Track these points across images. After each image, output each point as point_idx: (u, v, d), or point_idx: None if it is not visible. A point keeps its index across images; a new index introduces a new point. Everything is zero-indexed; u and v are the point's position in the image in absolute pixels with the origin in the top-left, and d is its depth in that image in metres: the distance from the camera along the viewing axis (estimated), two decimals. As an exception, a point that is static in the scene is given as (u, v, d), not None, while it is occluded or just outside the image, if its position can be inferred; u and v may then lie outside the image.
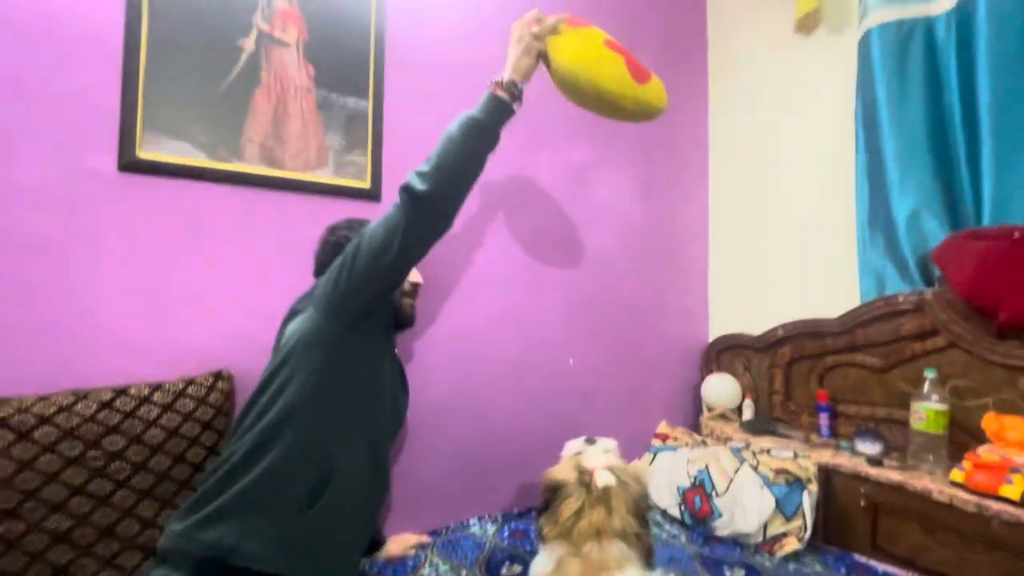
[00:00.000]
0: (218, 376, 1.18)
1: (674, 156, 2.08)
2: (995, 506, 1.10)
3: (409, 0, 1.52)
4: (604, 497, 0.83)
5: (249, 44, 1.29)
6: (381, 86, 1.45)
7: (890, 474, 1.30)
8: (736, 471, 1.44)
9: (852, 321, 1.56)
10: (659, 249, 2.03)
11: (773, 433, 1.71)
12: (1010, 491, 1.10)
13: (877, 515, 1.33)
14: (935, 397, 1.30)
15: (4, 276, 1.04)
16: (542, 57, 1.14)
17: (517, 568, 1.20)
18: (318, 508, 0.91)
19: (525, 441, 1.64)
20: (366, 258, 0.96)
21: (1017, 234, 1.20)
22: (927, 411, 1.30)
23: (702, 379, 1.98)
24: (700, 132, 2.17)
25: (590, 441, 1.05)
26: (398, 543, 1.26)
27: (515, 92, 1.06)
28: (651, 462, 1.63)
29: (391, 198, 1.01)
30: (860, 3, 1.59)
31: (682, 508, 1.47)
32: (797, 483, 1.36)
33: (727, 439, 1.72)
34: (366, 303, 1.00)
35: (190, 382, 1.14)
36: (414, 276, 1.18)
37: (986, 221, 1.33)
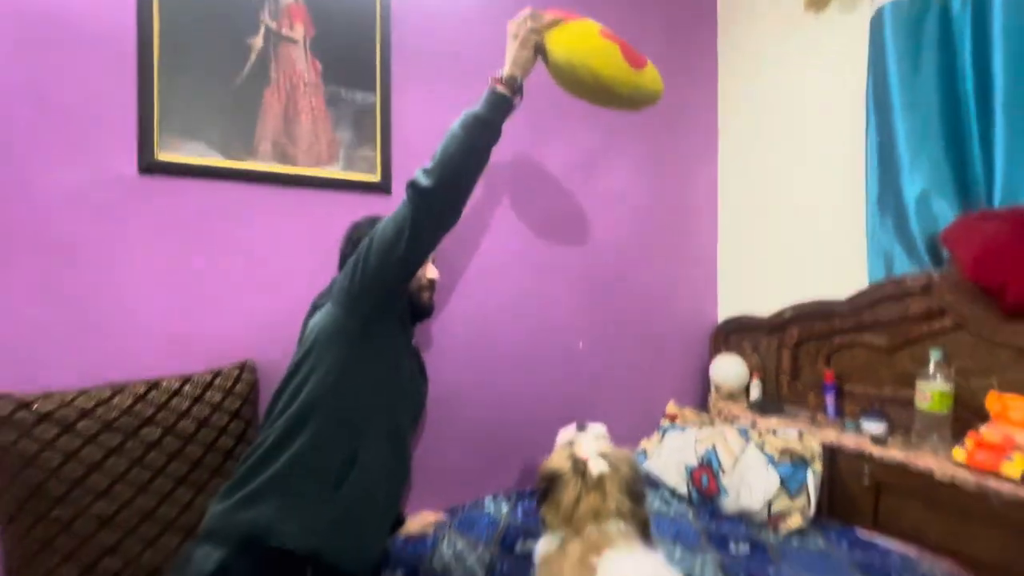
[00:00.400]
0: (243, 367, 1.24)
1: (683, 139, 2.07)
2: (995, 484, 1.13)
3: (413, -9, 1.52)
4: (598, 483, 0.89)
5: (258, 42, 1.31)
6: (388, 79, 1.47)
7: (893, 453, 1.33)
8: (742, 450, 1.49)
9: (860, 302, 1.57)
10: (669, 232, 2.04)
11: (780, 413, 1.74)
12: (1010, 469, 1.13)
13: (880, 493, 1.37)
14: (940, 377, 1.32)
15: (38, 277, 1.10)
16: (539, 50, 1.16)
17: (531, 544, 1.25)
18: (344, 491, 0.97)
19: (538, 423, 1.69)
20: (378, 253, 1.00)
21: (1026, 216, 1.20)
22: (931, 391, 1.32)
23: (711, 360, 2.01)
24: (710, 114, 2.15)
25: (581, 427, 1.10)
26: (417, 521, 1.33)
27: (515, 86, 1.09)
28: (659, 441, 1.68)
29: (401, 190, 1.04)
30: (873, -20, 1.55)
31: (689, 486, 1.52)
32: (801, 462, 1.40)
33: (734, 419, 1.75)
34: (382, 296, 1.05)
35: (217, 374, 1.20)
36: (431, 272, 1.22)
37: (997, 202, 1.33)
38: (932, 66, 1.43)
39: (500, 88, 1.07)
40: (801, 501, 1.36)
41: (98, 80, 1.15)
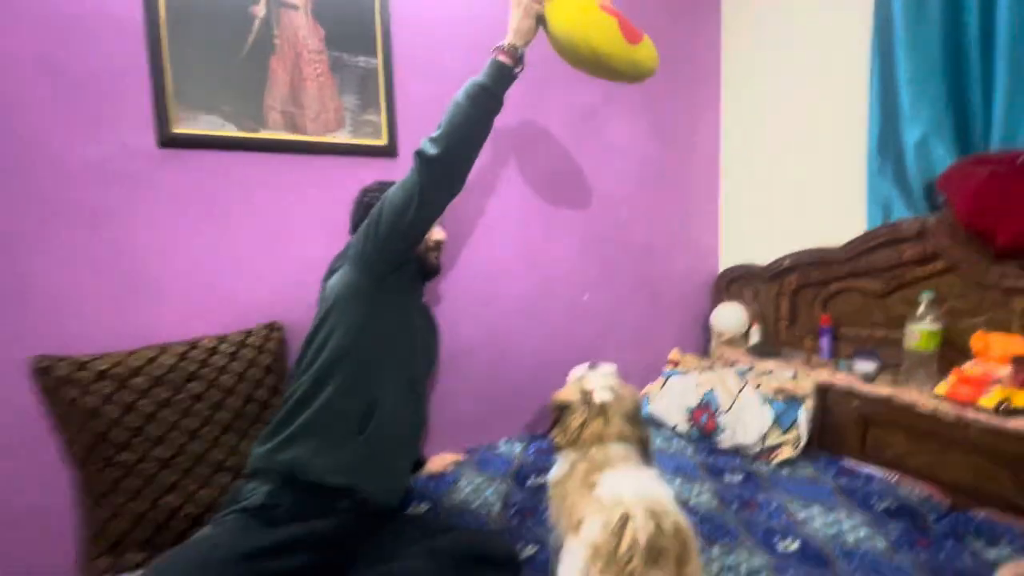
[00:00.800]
0: (271, 327, 1.34)
1: (686, 89, 2.06)
2: (973, 414, 1.21)
3: (410, -53, 1.50)
4: (602, 410, 1.00)
5: (260, 10, 1.33)
6: (389, 41, 1.48)
7: (880, 389, 1.41)
8: (740, 391, 1.58)
9: (856, 249, 1.62)
10: (671, 184, 2.07)
11: (777, 356, 1.83)
12: (987, 401, 1.21)
13: (867, 426, 1.46)
14: (930, 318, 1.38)
15: (75, 244, 1.18)
16: (540, 20, 1.17)
17: (542, 479, 1.39)
18: (368, 434, 1.09)
19: (546, 370, 1.80)
20: (389, 218, 1.07)
21: (1020, 160, 1.21)
22: (920, 331, 1.39)
23: (712, 309, 2.08)
24: (712, 63, 2.12)
25: (593, 366, 1.20)
26: (438, 461, 1.47)
27: (516, 55, 1.11)
28: (663, 386, 1.78)
29: (407, 153, 1.09)
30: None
31: (690, 425, 1.63)
32: (794, 400, 1.49)
33: (734, 363, 1.84)
34: (393, 258, 1.13)
35: (248, 333, 1.30)
36: (438, 234, 1.29)
37: (994, 146, 1.34)
38: (937, 6, 1.40)
39: (502, 58, 1.09)
40: (793, 434, 1.46)
41: (110, 56, 1.19)
